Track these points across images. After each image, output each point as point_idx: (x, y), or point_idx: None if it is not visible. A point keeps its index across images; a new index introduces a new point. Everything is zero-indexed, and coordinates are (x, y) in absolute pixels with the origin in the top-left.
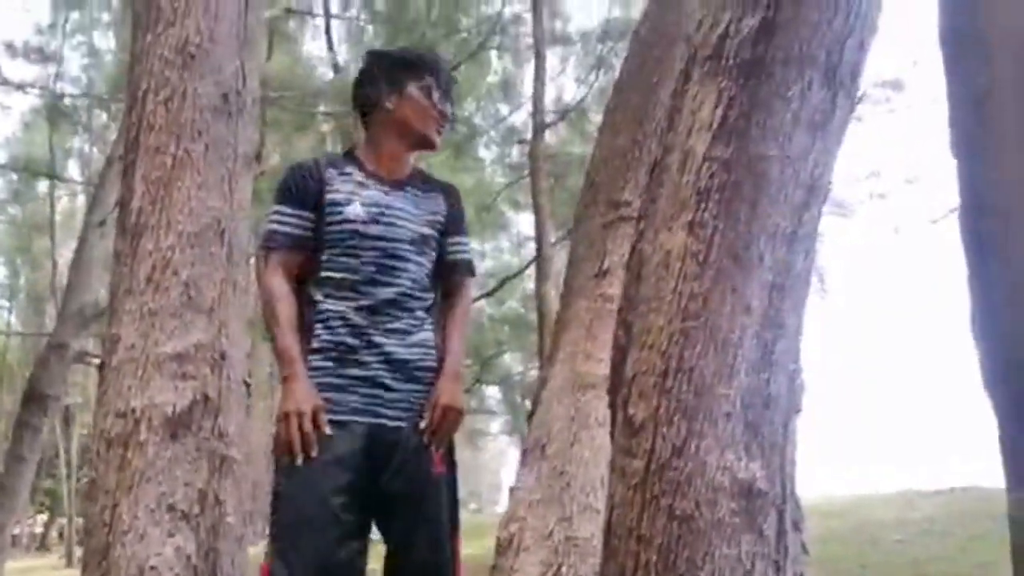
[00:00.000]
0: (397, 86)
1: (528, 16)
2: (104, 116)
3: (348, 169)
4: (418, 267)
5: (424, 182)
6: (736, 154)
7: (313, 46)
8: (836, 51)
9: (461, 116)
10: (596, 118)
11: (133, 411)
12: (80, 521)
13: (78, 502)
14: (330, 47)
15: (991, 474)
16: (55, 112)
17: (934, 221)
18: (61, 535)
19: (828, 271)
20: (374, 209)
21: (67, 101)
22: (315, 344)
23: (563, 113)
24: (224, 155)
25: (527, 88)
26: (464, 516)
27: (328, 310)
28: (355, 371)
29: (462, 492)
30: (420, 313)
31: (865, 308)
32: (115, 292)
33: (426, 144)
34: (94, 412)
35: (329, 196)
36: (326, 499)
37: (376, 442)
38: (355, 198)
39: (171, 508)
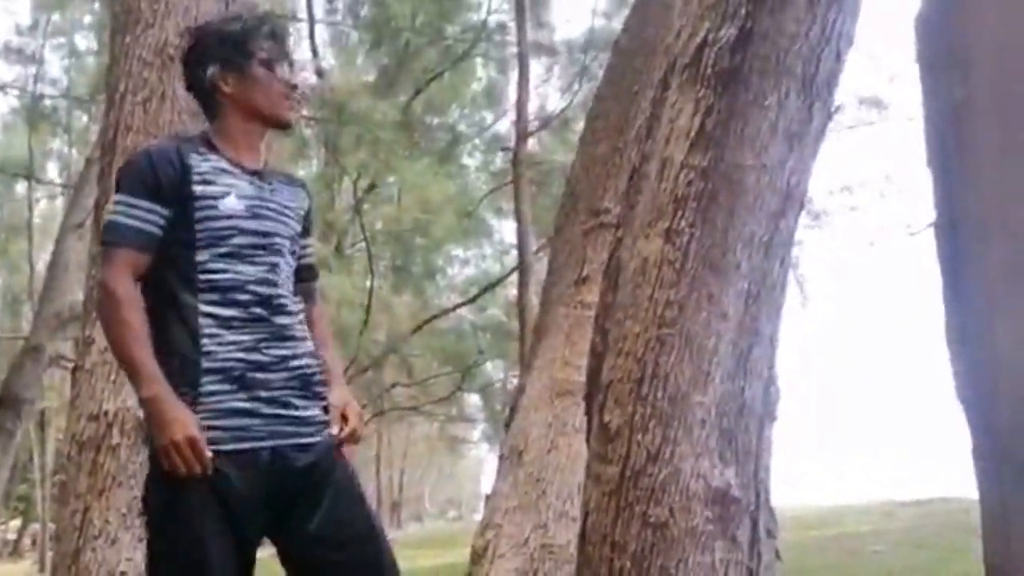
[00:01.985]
0: (235, 65)
1: (512, 25)
2: (84, 118)
3: (212, 156)
4: (289, 268)
5: (282, 174)
6: (713, 162)
7: (296, 51)
8: (813, 62)
9: (444, 123)
10: (579, 126)
11: (106, 414)
12: (54, 527)
13: (52, 507)
14: (314, 52)
15: (969, 485)
16: (34, 113)
17: (912, 234)
18: (34, 541)
19: (808, 280)
20: (250, 202)
21: (47, 102)
22: (206, 364)
23: (546, 121)
24: None
25: (511, 96)
26: (444, 524)
27: (215, 321)
28: (260, 391)
29: (442, 500)
30: (300, 318)
31: (844, 318)
32: (90, 294)
33: (279, 125)
34: (67, 415)
35: (198, 188)
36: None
37: (286, 466)
38: (229, 190)
39: (143, 513)
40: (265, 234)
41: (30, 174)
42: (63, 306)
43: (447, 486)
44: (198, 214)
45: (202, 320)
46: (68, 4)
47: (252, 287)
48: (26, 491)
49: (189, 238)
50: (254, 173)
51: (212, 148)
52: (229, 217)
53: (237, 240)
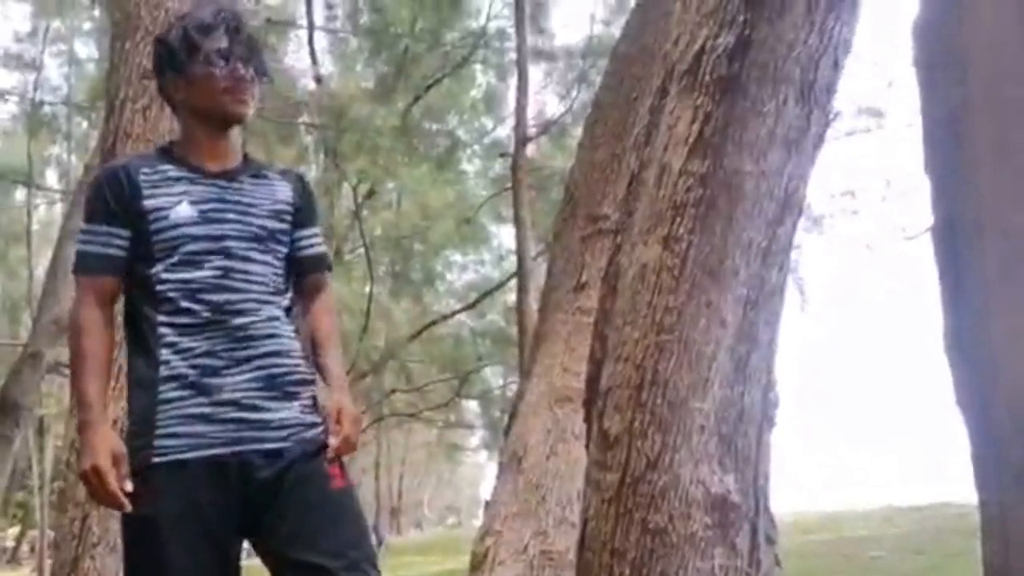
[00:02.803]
0: (181, 70)
1: (512, 31)
2: (84, 124)
3: (165, 167)
4: (265, 267)
5: (262, 169)
6: (712, 169)
7: (296, 58)
8: (811, 69)
9: (444, 129)
10: (578, 132)
11: None
12: (52, 534)
13: (51, 514)
14: (313, 59)
15: (966, 490)
16: (34, 120)
17: (909, 238)
18: (33, 548)
19: (808, 285)
20: (205, 207)
21: (47, 109)
22: (164, 372)
23: (545, 127)
24: None
25: (510, 102)
26: (443, 530)
27: (172, 328)
28: (219, 395)
29: (441, 506)
30: (277, 321)
31: (842, 323)
32: None
33: (231, 119)
34: (66, 422)
35: (148, 203)
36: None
37: (253, 473)
38: (182, 198)
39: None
40: (218, 237)
41: (29, 180)
42: (62, 313)
43: (446, 492)
44: (152, 227)
45: (160, 330)
46: (68, 11)
47: (204, 294)
48: (25, 498)
49: (147, 252)
50: (220, 175)
51: (171, 158)
52: (179, 226)
53: (189, 247)
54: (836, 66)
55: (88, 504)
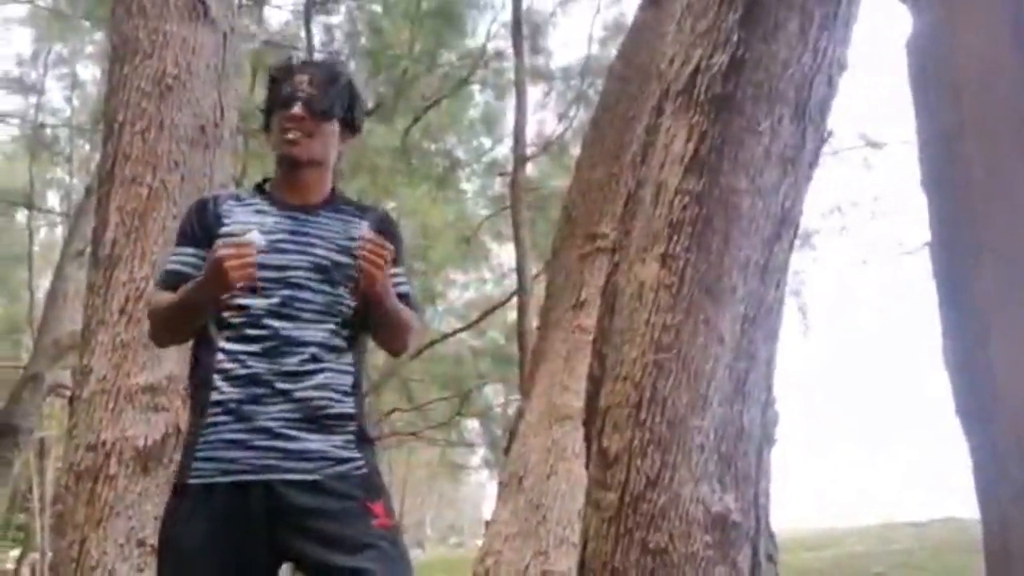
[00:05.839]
0: (268, 125)
1: (510, 51)
2: (87, 147)
3: (252, 200)
4: (328, 298)
5: (347, 205)
6: (708, 187)
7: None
8: (805, 87)
9: (443, 149)
10: (576, 151)
11: (103, 444)
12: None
13: (51, 537)
14: None
15: (966, 506)
16: (35, 142)
17: (906, 253)
18: (33, 571)
19: (809, 303)
20: (274, 236)
21: (48, 131)
22: (215, 397)
23: (544, 146)
24: (200, 186)
25: (509, 122)
26: (445, 550)
27: (228, 355)
28: (255, 422)
29: (443, 526)
30: (332, 353)
31: (842, 339)
32: (88, 323)
33: (287, 163)
34: (65, 444)
35: (225, 230)
36: None
37: (282, 501)
38: (253, 227)
39: (141, 543)
40: (281, 267)
41: (30, 203)
42: (62, 334)
43: (448, 512)
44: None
45: (219, 355)
46: (70, 34)
47: (265, 320)
48: (25, 520)
49: None
50: (299, 208)
51: (262, 192)
52: None
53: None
54: (830, 84)
55: (87, 527)
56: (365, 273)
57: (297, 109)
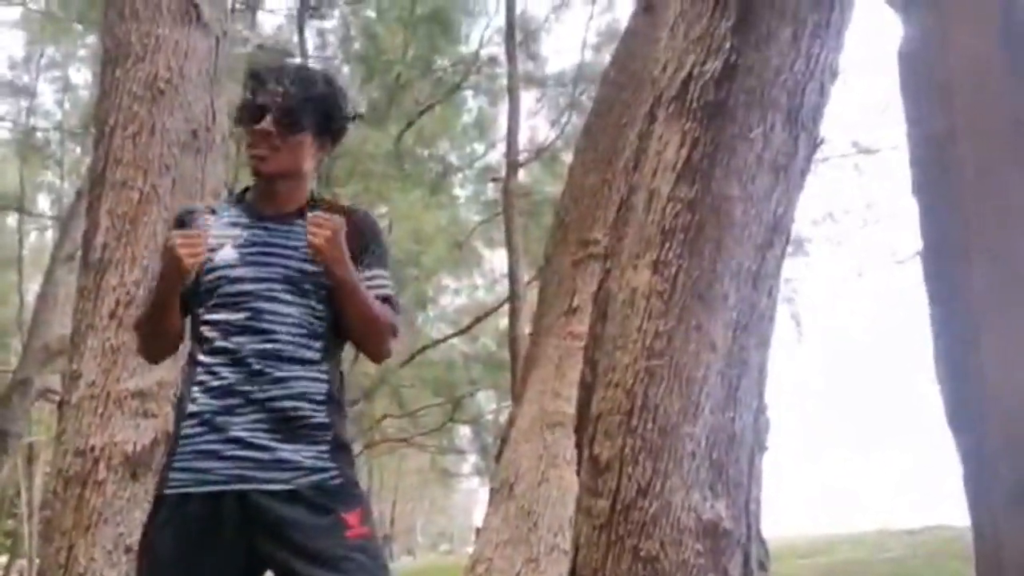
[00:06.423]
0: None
1: (503, 57)
2: (77, 150)
3: (230, 212)
4: (298, 309)
5: (331, 210)
6: (700, 194)
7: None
8: (798, 94)
9: (436, 154)
10: (568, 158)
11: (92, 449)
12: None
13: (39, 543)
14: None
15: (958, 513)
16: (26, 146)
17: (899, 262)
18: None
19: (802, 310)
20: (247, 250)
21: (39, 135)
22: (191, 408)
23: (536, 152)
24: (192, 191)
25: (501, 128)
26: (435, 557)
27: (203, 368)
28: (228, 432)
29: (434, 533)
30: (306, 365)
31: (835, 347)
32: (78, 328)
33: (254, 172)
34: (54, 449)
35: None
36: None
37: (257, 512)
38: (228, 240)
39: (128, 550)
40: (254, 279)
41: (21, 206)
42: (52, 339)
43: (439, 519)
44: (203, 268)
45: (197, 368)
46: (62, 38)
47: (235, 336)
48: (13, 526)
49: (196, 292)
50: (273, 218)
51: (239, 202)
52: (219, 268)
53: (226, 289)
54: (822, 91)
55: (75, 533)
56: (309, 244)
57: (264, 124)
